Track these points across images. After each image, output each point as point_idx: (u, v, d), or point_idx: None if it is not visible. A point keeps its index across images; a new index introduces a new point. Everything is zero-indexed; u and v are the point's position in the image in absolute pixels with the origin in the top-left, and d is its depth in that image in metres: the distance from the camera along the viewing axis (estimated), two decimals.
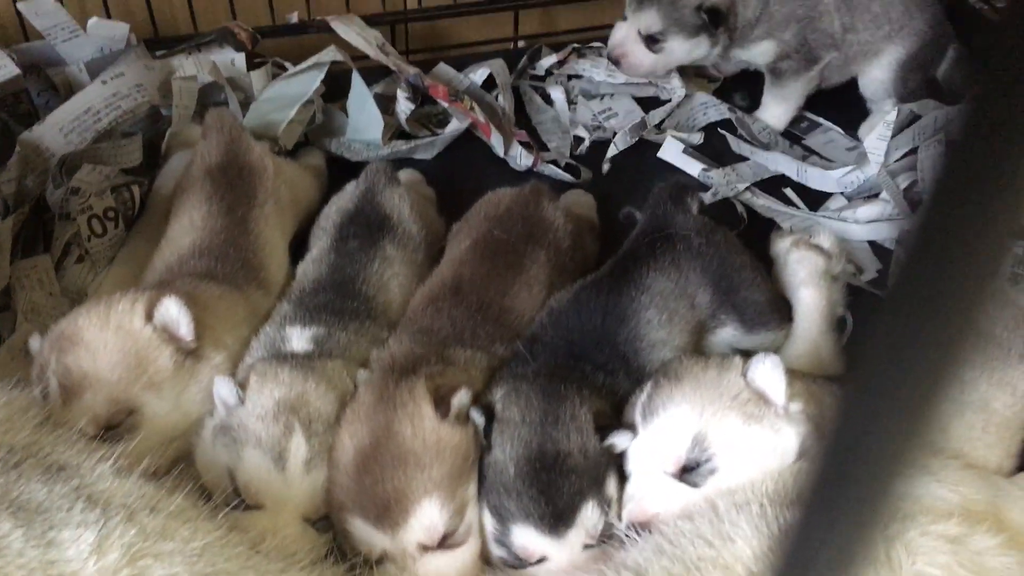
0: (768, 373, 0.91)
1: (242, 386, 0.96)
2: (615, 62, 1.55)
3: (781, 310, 1.16)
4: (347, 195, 1.23)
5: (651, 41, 1.50)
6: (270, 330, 1.06)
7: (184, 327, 0.99)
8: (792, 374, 0.92)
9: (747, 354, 0.98)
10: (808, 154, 1.58)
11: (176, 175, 1.34)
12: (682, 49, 1.51)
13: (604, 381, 0.98)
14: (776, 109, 1.63)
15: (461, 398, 0.92)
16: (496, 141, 1.51)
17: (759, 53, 1.57)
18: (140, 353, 0.97)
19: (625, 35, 1.53)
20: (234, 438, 0.93)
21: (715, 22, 1.48)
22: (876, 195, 1.44)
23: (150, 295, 1.00)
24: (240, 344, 1.06)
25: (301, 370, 0.96)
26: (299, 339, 1.04)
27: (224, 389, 0.95)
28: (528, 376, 0.96)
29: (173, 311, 0.99)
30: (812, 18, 1.53)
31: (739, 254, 1.13)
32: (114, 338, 0.97)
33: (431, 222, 1.27)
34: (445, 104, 1.54)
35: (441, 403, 0.91)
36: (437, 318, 1.04)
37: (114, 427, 0.95)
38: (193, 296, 1.04)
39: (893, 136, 1.43)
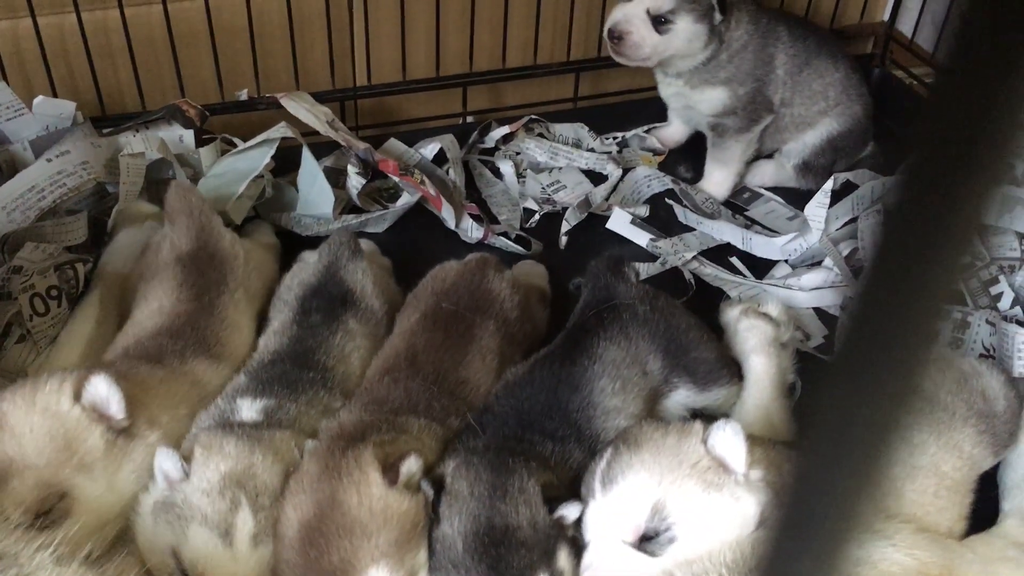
0: (729, 440, 0.91)
1: (186, 458, 0.93)
2: (616, 39, 1.52)
3: (730, 364, 1.18)
4: (309, 268, 1.23)
5: (659, 21, 1.51)
6: (221, 402, 1.04)
7: (115, 405, 0.97)
8: (752, 440, 0.92)
9: (708, 418, 0.98)
10: (751, 224, 1.62)
11: (124, 252, 1.33)
12: (686, 33, 1.52)
13: (553, 450, 0.98)
14: (719, 175, 1.67)
15: (410, 465, 0.91)
16: (447, 214, 1.53)
17: (709, 100, 1.61)
18: (69, 435, 0.94)
19: (633, 13, 1.52)
20: (178, 515, 0.90)
21: (722, 7, 1.52)
22: (819, 263, 1.47)
23: (78, 374, 0.98)
24: (179, 421, 1.04)
25: (247, 441, 0.95)
26: (248, 410, 1.02)
27: (167, 462, 0.92)
28: (478, 449, 0.96)
29: (102, 389, 0.96)
30: (763, 83, 1.60)
31: (683, 316, 1.15)
32: (40, 420, 0.93)
33: (391, 293, 1.27)
34: (396, 178, 1.55)
35: (389, 470, 0.90)
36: (393, 389, 1.04)
37: (46, 513, 0.91)
38: (127, 374, 1.02)
39: (831, 205, 1.47)
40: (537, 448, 0.97)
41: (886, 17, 2.03)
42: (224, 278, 1.21)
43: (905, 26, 2.00)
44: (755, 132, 1.65)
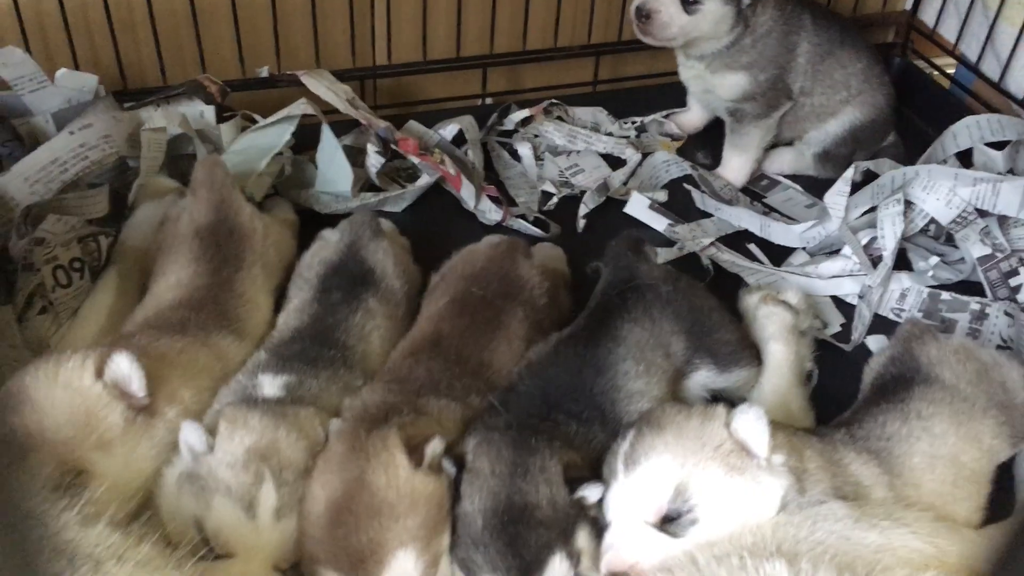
0: (751, 424, 0.91)
1: (211, 432, 0.94)
2: (644, 18, 1.51)
3: (751, 347, 1.18)
4: (330, 246, 1.23)
5: (687, 2, 1.49)
6: (242, 377, 1.05)
7: (136, 383, 0.97)
8: (774, 425, 0.92)
9: (730, 402, 0.98)
10: (769, 211, 1.62)
11: (144, 226, 1.33)
12: (715, 15, 1.51)
13: (577, 431, 0.98)
14: (736, 160, 1.67)
15: (435, 447, 0.91)
16: (467, 193, 1.53)
17: (730, 86, 1.60)
18: (90, 411, 0.94)
19: None
20: (202, 486, 0.91)
21: None
22: (837, 251, 1.47)
23: (101, 351, 0.98)
24: (199, 395, 1.04)
25: (272, 417, 0.95)
26: (270, 386, 1.03)
27: (193, 435, 0.93)
28: (500, 427, 0.96)
29: (124, 367, 0.96)
30: (784, 70, 1.59)
31: (706, 297, 1.16)
32: (63, 395, 0.94)
33: (410, 273, 1.27)
34: (415, 158, 1.55)
35: (414, 452, 0.91)
36: (415, 369, 1.04)
37: (64, 488, 0.92)
38: (148, 350, 1.02)
39: (852, 194, 1.47)
40: (561, 428, 0.97)
41: (908, 6, 2.02)
42: (242, 253, 1.21)
43: (928, 16, 1.98)
44: (774, 119, 1.64)
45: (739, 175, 1.69)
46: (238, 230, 1.23)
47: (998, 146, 1.60)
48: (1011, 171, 1.57)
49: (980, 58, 1.85)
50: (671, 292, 1.12)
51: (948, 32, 1.94)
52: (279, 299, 1.25)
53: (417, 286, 1.27)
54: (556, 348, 1.07)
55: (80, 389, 0.95)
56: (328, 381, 1.05)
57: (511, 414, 0.98)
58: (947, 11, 1.94)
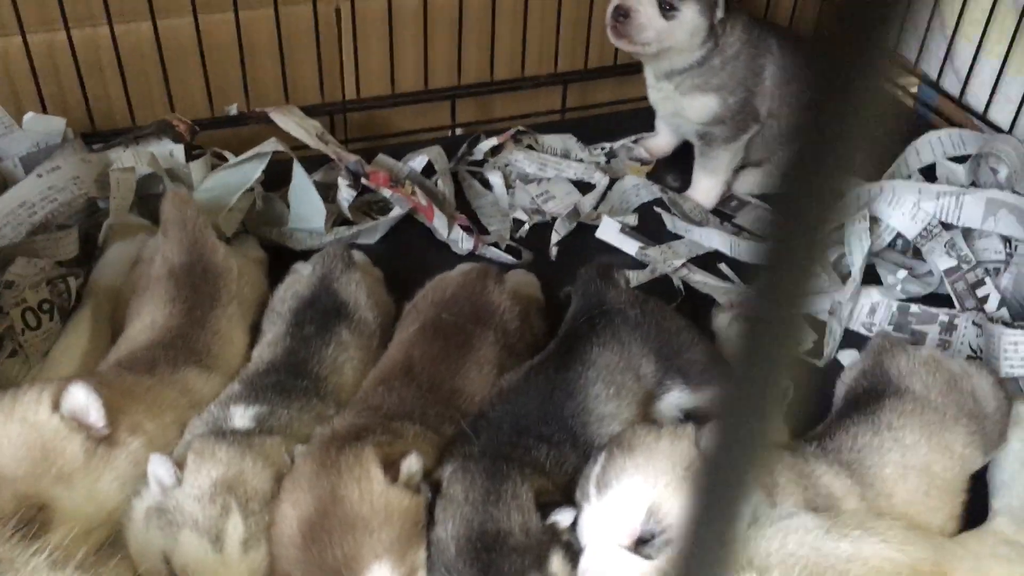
0: None
1: (179, 465, 0.93)
2: (622, 16, 1.50)
3: (722, 364, 1.18)
4: (302, 279, 1.23)
5: (665, 7, 1.51)
6: (215, 408, 1.05)
7: (94, 413, 0.96)
8: None
9: (700, 422, 0.99)
10: (739, 231, 1.64)
11: (115, 266, 1.33)
12: (690, 24, 1.52)
13: (549, 455, 0.98)
14: (706, 183, 1.68)
15: (411, 463, 0.92)
16: (439, 223, 1.53)
17: (699, 108, 1.61)
18: (47, 445, 0.93)
19: None
20: (170, 520, 0.91)
21: (727, 4, 1.53)
22: None
23: (58, 383, 0.97)
24: (164, 429, 1.03)
25: (239, 447, 0.95)
26: (241, 417, 1.03)
27: (161, 468, 0.93)
28: (474, 455, 0.97)
29: (80, 397, 0.95)
30: (752, 93, 1.61)
31: (674, 319, 1.16)
32: (18, 430, 0.93)
33: (384, 304, 1.27)
34: (386, 190, 1.56)
35: (390, 468, 0.91)
36: (387, 397, 1.04)
37: (26, 525, 0.91)
38: (111, 382, 1.02)
39: None
40: (532, 453, 0.97)
41: None
42: (217, 292, 1.21)
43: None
44: (742, 141, 1.66)
45: (709, 197, 1.70)
46: (213, 269, 1.23)
47: (961, 160, 1.63)
48: (973, 184, 1.59)
49: (940, 75, 1.89)
50: (639, 315, 1.13)
51: (908, 51, 1.98)
52: (253, 336, 1.25)
53: (391, 317, 1.27)
54: (527, 374, 1.07)
55: (36, 423, 0.94)
56: (300, 411, 1.05)
57: (483, 441, 0.98)
58: (906, 30, 1.97)
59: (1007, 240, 1.45)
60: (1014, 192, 1.46)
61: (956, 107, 1.86)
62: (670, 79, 1.61)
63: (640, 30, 1.51)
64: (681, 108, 1.65)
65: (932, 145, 1.63)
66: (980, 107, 1.80)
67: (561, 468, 0.98)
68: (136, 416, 1.01)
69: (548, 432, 1.00)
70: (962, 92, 1.83)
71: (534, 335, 1.23)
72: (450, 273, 1.26)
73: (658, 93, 1.67)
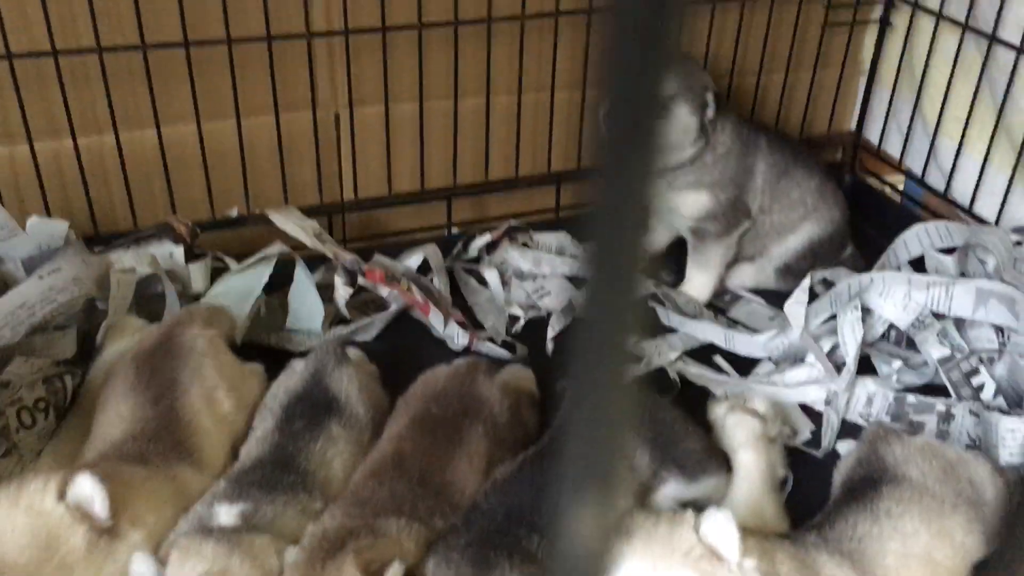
0: (721, 528, 0.90)
1: (163, 562, 0.92)
2: None
3: (718, 454, 1.18)
4: (296, 375, 1.24)
5: None
6: (200, 508, 1.04)
7: (99, 504, 0.96)
8: (745, 530, 0.92)
9: (699, 508, 0.98)
10: (733, 324, 1.65)
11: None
12: (682, 121, 1.56)
13: (540, 544, 0.97)
14: (700, 278, 1.70)
15: (394, 571, 0.90)
16: (435, 320, 1.55)
17: (692, 204, 1.65)
18: (51, 533, 0.93)
19: None
20: None
21: (718, 103, 1.57)
22: (802, 359, 1.49)
23: (64, 473, 0.98)
24: (163, 523, 1.03)
25: (225, 544, 0.94)
26: (227, 515, 1.01)
27: (143, 566, 0.91)
28: (459, 546, 0.95)
29: (87, 488, 0.96)
30: (743, 190, 1.65)
31: (667, 410, 1.16)
32: (24, 519, 0.93)
33: (377, 399, 1.27)
34: (383, 287, 1.58)
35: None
36: (377, 491, 1.03)
37: None
38: (112, 474, 1.01)
39: (810, 302, 1.50)
40: (523, 543, 0.96)
41: (853, 126, 2.12)
42: (177, 377, 1.20)
43: (872, 134, 2.08)
44: (734, 237, 1.69)
45: (703, 292, 1.72)
46: (176, 349, 1.23)
47: (949, 252, 1.65)
48: (963, 274, 1.61)
49: (925, 171, 1.93)
50: None
51: (893, 149, 2.03)
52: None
53: (385, 412, 1.27)
54: (521, 466, 1.07)
55: (42, 511, 0.94)
56: (285, 505, 1.04)
57: (472, 532, 0.97)
58: (890, 129, 2.04)
59: (999, 329, 1.46)
60: (1003, 282, 1.47)
61: (942, 201, 1.90)
62: (662, 176, 1.65)
63: None
64: (674, 204, 1.68)
65: (920, 237, 1.66)
66: (966, 201, 1.84)
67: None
68: (137, 508, 1.01)
69: (541, 523, 0.99)
70: (947, 187, 1.87)
71: (526, 429, 1.23)
72: (441, 367, 1.27)
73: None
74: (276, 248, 1.51)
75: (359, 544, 0.93)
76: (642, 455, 1.10)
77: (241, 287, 1.49)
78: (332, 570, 0.90)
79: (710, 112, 1.59)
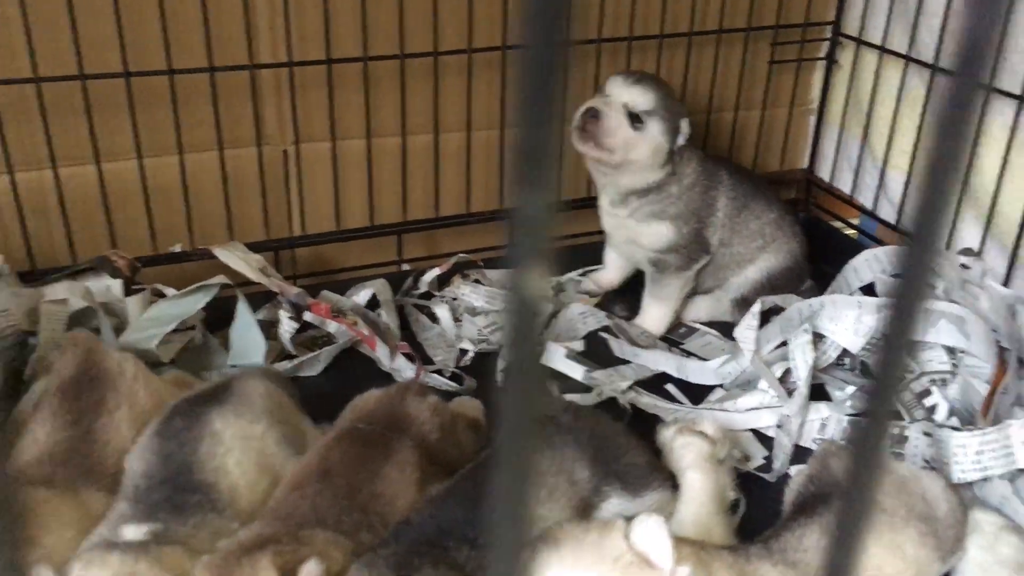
0: (652, 534, 0.86)
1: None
2: (592, 117, 1.52)
3: (662, 469, 1.15)
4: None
5: (634, 119, 1.53)
6: (104, 528, 0.98)
7: None
8: (681, 538, 0.88)
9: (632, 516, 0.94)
10: (687, 355, 1.62)
11: None
12: (655, 139, 1.55)
13: (469, 556, 0.92)
14: (656, 311, 1.68)
15: (310, 569, 0.85)
16: (382, 353, 1.51)
17: (654, 235, 1.63)
18: None
19: (611, 102, 1.53)
20: None
21: (689, 135, 1.58)
22: (755, 386, 1.46)
23: None
24: (64, 544, 0.97)
25: (132, 554, 0.88)
26: (135, 532, 0.96)
27: None
28: (384, 554, 0.91)
29: None
30: (704, 224, 1.64)
31: (609, 424, 1.13)
32: None
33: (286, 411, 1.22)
34: (329, 322, 1.55)
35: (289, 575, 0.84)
36: (300, 504, 0.98)
37: None
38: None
39: (761, 327, 1.48)
40: (451, 553, 0.92)
41: (805, 164, 2.13)
42: (104, 398, 1.16)
43: (823, 171, 2.09)
44: (693, 271, 1.68)
45: (659, 325, 1.70)
46: (101, 375, 1.19)
47: (900, 277, 1.64)
48: None
49: (876, 204, 1.94)
50: (571, 420, 1.10)
51: (844, 184, 2.05)
52: None
53: (297, 429, 1.23)
54: (455, 482, 1.03)
55: None
56: (195, 528, 0.98)
57: (400, 543, 0.92)
58: (840, 166, 2.05)
59: (950, 350, 1.44)
60: (951, 301, 1.47)
61: (895, 234, 1.90)
62: (626, 203, 1.63)
63: (608, 133, 1.53)
64: (636, 235, 1.66)
65: (869, 263, 1.66)
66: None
67: (483, 568, 0.92)
68: (39, 535, 0.95)
69: (472, 534, 0.94)
70: (898, 218, 1.88)
71: (462, 450, 1.19)
72: (373, 390, 1.23)
73: (613, 219, 1.68)
74: (217, 279, 1.48)
75: (280, 547, 0.88)
76: (581, 468, 1.06)
77: (174, 312, 1.45)
78: (247, 567, 0.85)
79: (681, 139, 1.59)
